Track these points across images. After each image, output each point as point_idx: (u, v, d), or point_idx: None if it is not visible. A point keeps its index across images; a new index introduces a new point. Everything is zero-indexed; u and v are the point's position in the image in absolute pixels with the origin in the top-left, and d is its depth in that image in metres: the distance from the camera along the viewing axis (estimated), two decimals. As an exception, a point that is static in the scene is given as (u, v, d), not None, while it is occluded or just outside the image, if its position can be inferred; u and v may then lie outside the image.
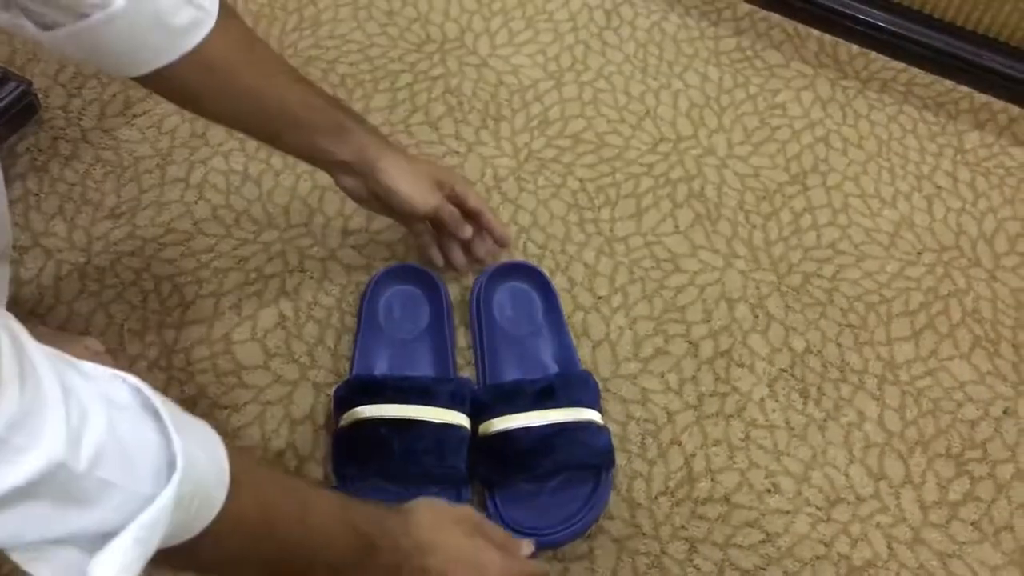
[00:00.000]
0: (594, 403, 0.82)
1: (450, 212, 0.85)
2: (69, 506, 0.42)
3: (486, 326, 0.87)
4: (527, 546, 0.73)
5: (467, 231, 0.86)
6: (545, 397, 0.81)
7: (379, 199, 0.82)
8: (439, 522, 0.67)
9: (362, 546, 0.60)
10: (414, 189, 0.81)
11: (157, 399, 0.47)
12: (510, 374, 0.85)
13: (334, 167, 0.80)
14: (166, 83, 0.70)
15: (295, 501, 0.57)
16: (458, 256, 0.90)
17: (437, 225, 0.88)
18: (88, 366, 0.46)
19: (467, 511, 0.71)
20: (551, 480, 0.79)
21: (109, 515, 0.43)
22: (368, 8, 1.13)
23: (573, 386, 0.82)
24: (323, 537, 0.58)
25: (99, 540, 0.43)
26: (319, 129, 0.77)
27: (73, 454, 0.41)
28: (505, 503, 0.78)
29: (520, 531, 0.76)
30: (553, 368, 0.86)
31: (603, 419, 0.82)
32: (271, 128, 0.77)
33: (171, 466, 0.46)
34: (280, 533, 0.55)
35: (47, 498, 0.41)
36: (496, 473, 0.79)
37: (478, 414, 0.81)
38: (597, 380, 0.84)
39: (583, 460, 0.79)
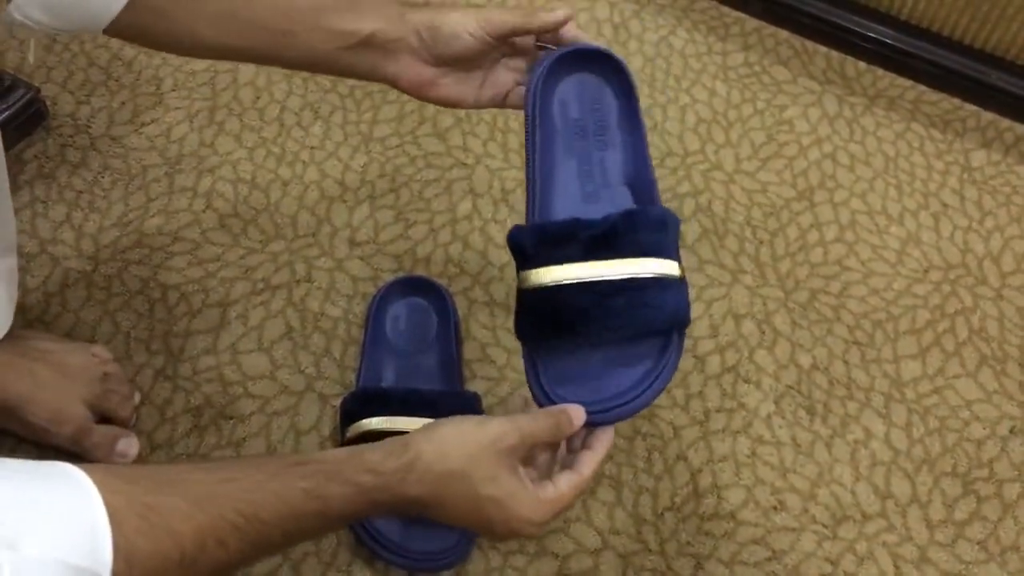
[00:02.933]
0: (670, 249, 0.63)
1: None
2: None
3: (542, 128, 0.67)
4: (577, 416, 0.60)
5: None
6: (603, 244, 0.61)
7: (435, 54, 0.66)
8: (447, 473, 0.57)
9: (363, 503, 0.56)
10: (457, 9, 0.66)
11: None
12: (565, 198, 0.66)
13: (367, 53, 0.66)
14: (143, 15, 0.64)
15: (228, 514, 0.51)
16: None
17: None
18: None
19: (492, 436, 0.58)
20: (606, 349, 0.62)
21: None
22: (377, 19, 1.13)
23: (643, 228, 0.62)
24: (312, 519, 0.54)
25: None
26: (327, 7, 0.65)
27: None
28: (547, 372, 0.63)
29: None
30: (623, 197, 0.67)
31: (678, 267, 0.63)
32: (275, 29, 0.65)
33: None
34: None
35: None
36: (534, 338, 0.64)
37: (521, 260, 0.64)
38: (678, 216, 0.65)
39: (647, 325, 0.61)
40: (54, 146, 0.99)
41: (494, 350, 0.90)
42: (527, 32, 0.67)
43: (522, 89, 0.69)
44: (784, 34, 1.17)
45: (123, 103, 1.03)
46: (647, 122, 0.86)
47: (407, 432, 0.78)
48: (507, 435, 0.58)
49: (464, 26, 0.65)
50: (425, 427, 0.59)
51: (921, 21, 1.14)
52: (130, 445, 0.80)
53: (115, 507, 0.45)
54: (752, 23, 1.18)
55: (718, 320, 0.93)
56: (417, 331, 0.88)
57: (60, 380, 0.78)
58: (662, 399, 0.87)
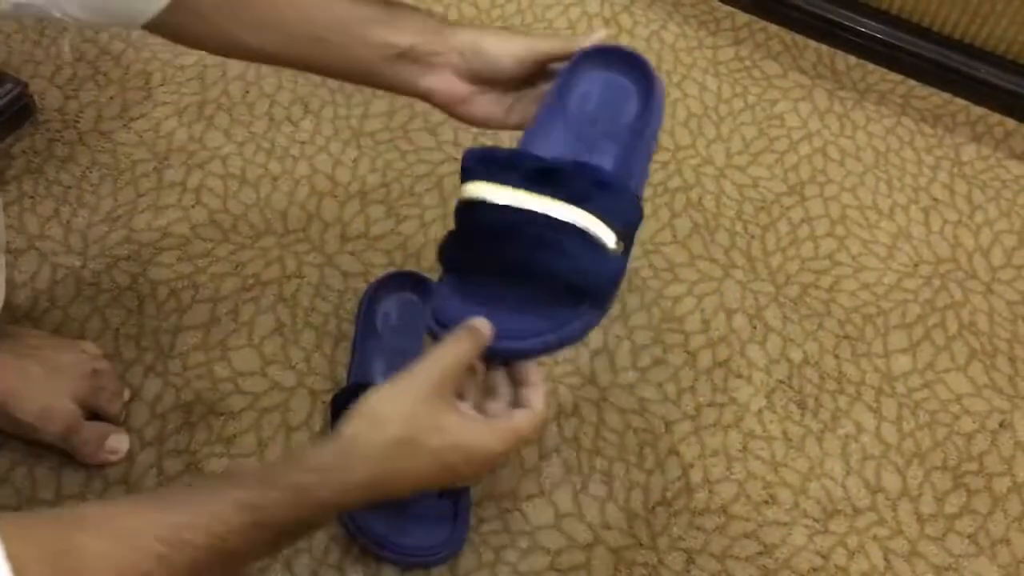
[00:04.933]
0: (614, 219, 0.59)
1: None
2: None
3: (556, 105, 0.67)
4: (483, 326, 0.57)
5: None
6: (544, 180, 0.59)
7: (474, 72, 0.66)
8: (390, 442, 0.54)
9: (308, 506, 0.53)
10: (499, 32, 0.66)
11: None
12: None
13: (403, 66, 0.65)
14: (184, 18, 0.64)
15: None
16: None
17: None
18: None
19: (417, 385, 0.55)
20: (516, 289, 0.59)
21: None
22: (367, 13, 1.13)
23: (592, 183, 0.59)
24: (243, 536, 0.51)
25: None
26: (368, 20, 0.65)
27: None
28: (455, 292, 0.61)
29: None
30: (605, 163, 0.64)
31: (627, 256, 0.61)
32: (316, 38, 0.65)
33: None
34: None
35: None
36: (451, 258, 0.63)
37: (462, 176, 0.63)
38: (642, 209, 0.62)
39: (556, 274, 0.58)
40: (42, 141, 0.98)
41: (485, 345, 0.89)
42: (567, 58, 0.66)
43: None
44: (774, 28, 1.17)
45: (112, 98, 1.02)
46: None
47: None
48: (431, 375, 0.55)
49: (507, 49, 0.65)
50: (350, 409, 0.56)
51: (912, 16, 1.14)
52: (120, 441, 0.80)
53: (22, 559, 0.42)
54: (743, 17, 1.18)
55: (709, 315, 0.93)
56: (408, 326, 0.88)
57: (49, 377, 0.78)
58: (653, 393, 0.88)
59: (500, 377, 0.60)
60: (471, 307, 0.59)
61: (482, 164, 0.61)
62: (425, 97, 0.68)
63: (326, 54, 0.66)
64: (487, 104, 0.68)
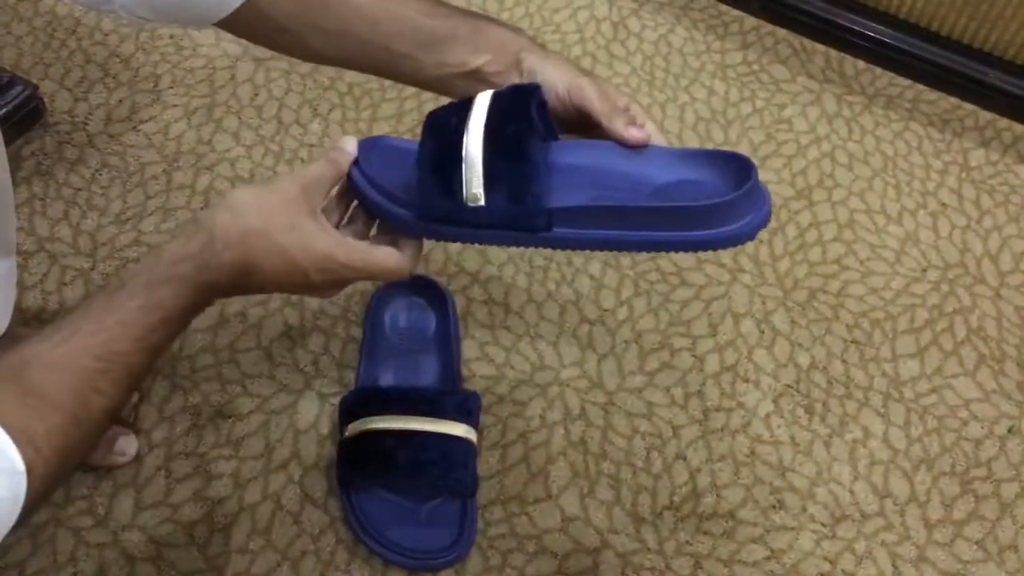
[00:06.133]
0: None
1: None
2: None
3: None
4: (348, 143, 0.63)
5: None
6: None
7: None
8: (246, 231, 0.58)
9: (197, 291, 0.58)
10: (561, 66, 0.64)
11: None
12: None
13: (471, 82, 0.65)
14: (260, 16, 0.64)
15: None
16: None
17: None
18: None
19: (279, 189, 0.60)
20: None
21: None
22: (375, 17, 1.13)
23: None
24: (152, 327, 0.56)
25: None
26: (449, 38, 0.65)
27: None
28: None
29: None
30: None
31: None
32: (393, 51, 0.65)
33: None
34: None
35: None
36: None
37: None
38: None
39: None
40: (52, 143, 0.99)
41: (492, 348, 0.89)
42: (599, 126, 0.62)
43: None
44: (783, 33, 1.17)
45: (121, 100, 1.03)
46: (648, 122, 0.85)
47: (407, 430, 0.79)
48: (292, 185, 0.60)
49: (556, 81, 0.63)
50: (215, 201, 0.61)
51: (920, 20, 1.14)
52: (129, 444, 0.80)
53: None
54: (751, 21, 1.18)
55: (717, 319, 0.93)
56: (416, 330, 0.88)
57: (58, 378, 0.78)
58: (660, 397, 0.88)
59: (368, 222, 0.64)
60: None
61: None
62: None
63: (400, 66, 0.66)
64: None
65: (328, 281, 0.61)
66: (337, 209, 0.63)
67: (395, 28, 0.64)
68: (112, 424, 0.57)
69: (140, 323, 0.56)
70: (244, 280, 0.59)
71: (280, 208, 0.59)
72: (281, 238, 0.58)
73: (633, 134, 0.61)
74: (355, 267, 0.60)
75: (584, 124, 0.63)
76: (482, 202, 0.58)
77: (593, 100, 0.62)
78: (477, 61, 0.65)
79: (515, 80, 0.64)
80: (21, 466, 0.48)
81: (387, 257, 0.61)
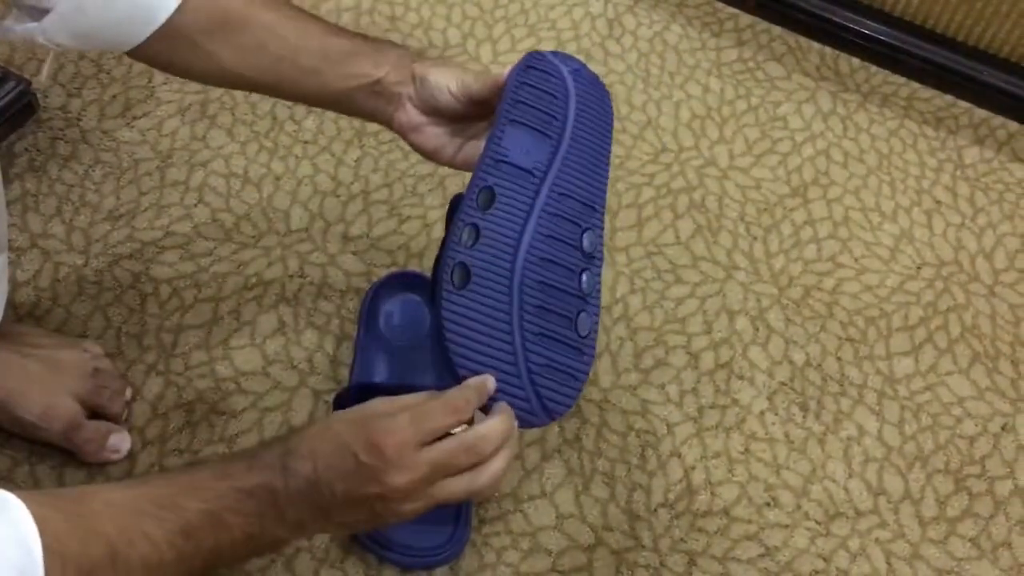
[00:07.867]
0: None
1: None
2: None
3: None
4: (490, 383, 0.60)
5: None
6: None
7: (423, 102, 0.70)
8: (330, 435, 0.57)
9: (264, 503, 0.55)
10: (448, 69, 0.70)
11: None
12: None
13: (373, 96, 0.70)
14: (173, 44, 0.66)
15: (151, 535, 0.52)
16: None
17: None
18: None
19: (380, 412, 0.57)
20: None
21: None
22: (371, 13, 1.13)
23: None
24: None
25: None
26: (355, 52, 0.70)
27: None
28: None
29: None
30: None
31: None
32: (303, 67, 0.69)
33: None
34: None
35: None
36: None
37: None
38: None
39: None
40: (45, 139, 0.98)
41: (488, 346, 0.89)
42: (489, 97, 0.68)
43: None
44: (778, 30, 1.17)
45: (114, 96, 1.02)
46: (642, 118, 0.94)
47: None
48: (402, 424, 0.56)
49: (446, 82, 0.69)
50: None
51: (915, 18, 1.14)
52: (122, 440, 0.80)
53: (41, 514, 0.47)
54: (746, 19, 1.18)
55: (712, 316, 0.93)
56: (411, 326, 0.88)
57: (51, 375, 0.78)
58: (655, 395, 0.87)
59: None
60: None
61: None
62: (388, 124, 0.72)
63: (307, 81, 0.70)
64: (436, 136, 0.72)
65: (383, 455, 0.56)
66: None
67: (304, 44, 0.69)
68: None
69: (209, 487, 0.54)
70: (318, 497, 0.56)
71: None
72: (337, 424, 0.57)
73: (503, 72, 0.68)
74: (417, 429, 0.56)
75: (479, 113, 0.70)
76: None
77: (472, 85, 0.68)
78: (379, 73, 0.70)
79: (411, 88, 0.70)
80: (41, 572, 0.46)
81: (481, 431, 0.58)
